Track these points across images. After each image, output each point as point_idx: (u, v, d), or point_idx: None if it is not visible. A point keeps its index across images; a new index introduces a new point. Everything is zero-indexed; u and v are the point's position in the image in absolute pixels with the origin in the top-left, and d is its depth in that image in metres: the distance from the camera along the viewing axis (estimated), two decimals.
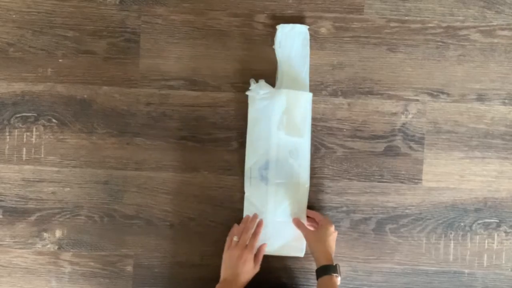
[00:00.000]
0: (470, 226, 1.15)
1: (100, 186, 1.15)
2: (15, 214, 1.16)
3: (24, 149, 1.16)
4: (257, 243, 1.07)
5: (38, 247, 1.16)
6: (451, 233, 1.15)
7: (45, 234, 1.15)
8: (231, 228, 1.11)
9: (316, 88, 1.15)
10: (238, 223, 1.13)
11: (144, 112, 1.15)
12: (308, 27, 1.13)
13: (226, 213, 1.15)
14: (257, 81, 1.13)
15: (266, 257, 1.10)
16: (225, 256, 1.06)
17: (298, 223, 1.10)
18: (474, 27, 1.15)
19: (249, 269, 1.04)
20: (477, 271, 1.15)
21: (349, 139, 1.15)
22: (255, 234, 1.08)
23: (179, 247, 1.15)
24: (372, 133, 1.15)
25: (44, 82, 1.15)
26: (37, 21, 1.15)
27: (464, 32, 1.15)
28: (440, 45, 1.15)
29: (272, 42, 1.13)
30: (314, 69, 1.15)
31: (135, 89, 1.15)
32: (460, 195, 1.15)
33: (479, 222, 1.15)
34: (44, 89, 1.15)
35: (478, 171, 1.15)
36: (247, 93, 1.12)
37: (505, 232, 1.15)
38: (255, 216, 1.11)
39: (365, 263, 1.15)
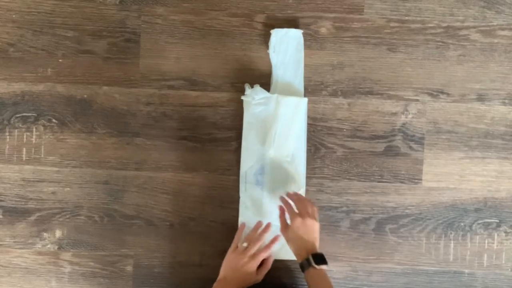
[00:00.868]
0: (470, 226, 1.15)
1: (100, 186, 1.15)
2: (15, 214, 1.16)
3: (24, 149, 1.16)
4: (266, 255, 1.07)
5: (38, 247, 1.16)
6: (451, 233, 1.15)
7: (45, 234, 1.15)
8: (239, 229, 1.11)
9: (316, 88, 1.15)
10: (238, 222, 1.13)
11: (144, 112, 1.15)
12: (302, 31, 1.13)
13: (226, 213, 1.15)
14: (252, 86, 1.13)
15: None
16: (229, 257, 1.06)
17: (281, 212, 1.08)
18: (474, 27, 1.15)
19: (251, 278, 1.04)
20: (477, 271, 1.15)
21: (349, 139, 1.15)
22: (266, 248, 1.07)
23: (179, 247, 1.15)
24: (372, 133, 1.15)
25: (44, 82, 1.15)
26: (37, 21, 1.15)
27: (464, 32, 1.15)
28: (440, 45, 1.15)
29: (268, 46, 1.13)
30: (314, 69, 1.15)
31: (135, 89, 1.15)
32: (460, 195, 1.15)
33: (479, 222, 1.15)
34: (44, 89, 1.15)
35: (478, 171, 1.15)
36: (242, 98, 1.12)
37: (505, 232, 1.15)
38: (268, 225, 1.10)
39: (365, 263, 1.15)
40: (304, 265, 0.99)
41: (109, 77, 1.15)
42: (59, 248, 1.16)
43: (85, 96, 1.15)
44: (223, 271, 1.05)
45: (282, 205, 1.08)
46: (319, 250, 1.01)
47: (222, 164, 1.15)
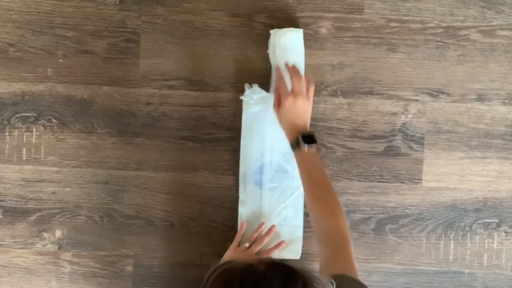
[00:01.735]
0: (470, 226, 1.15)
1: (100, 186, 1.15)
2: (15, 214, 1.16)
3: (24, 149, 1.16)
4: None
5: (38, 247, 1.16)
6: (451, 233, 1.15)
7: (45, 234, 1.15)
8: (240, 228, 1.10)
9: (316, 88, 1.14)
10: (238, 225, 1.13)
11: (144, 112, 1.15)
12: (302, 30, 1.12)
13: (226, 213, 1.15)
14: (251, 86, 1.12)
15: None
16: (230, 255, 1.06)
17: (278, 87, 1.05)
18: (474, 27, 1.15)
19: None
20: (477, 271, 1.15)
21: (349, 139, 1.15)
22: (268, 253, 1.07)
23: (179, 247, 1.15)
24: (372, 133, 1.15)
25: (44, 82, 1.15)
26: (37, 21, 1.15)
27: (464, 32, 1.15)
28: (440, 45, 1.15)
29: (268, 46, 1.13)
30: (314, 69, 1.15)
31: (135, 89, 1.15)
32: (460, 195, 1.15)
33: (479, 222, 1.15)
34: (44, 89, 1.15)
35: (478, 171, 1.15)
36: (241, 97, 1.12)
37: (505, 232, 1.15)
38: (271, 229, 1.10)
39: (365, 263, 1.15)
40: (293, 146, 0.99)
41: (109, 77, 1.15)
42: (59, 248, 1.16)
43: (85, 96, 1.15)
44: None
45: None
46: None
47: (222, 164, 1.15)
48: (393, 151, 1.15)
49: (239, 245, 1.07)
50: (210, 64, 1.15)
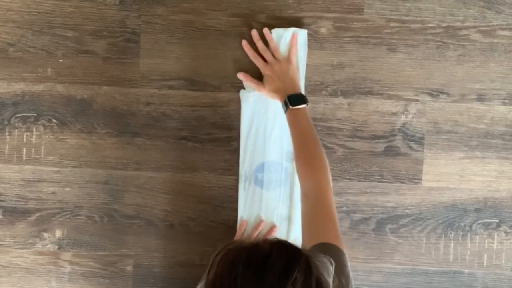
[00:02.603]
0: (470, 226, 1.15)
1: (100, 186, 1.15)
2: (15, 214, 1.16)
3: (24, 149, 1.16)
4: None
5: (38, 247, 1.16)
6: (451, 233, 1.15)
7: (45, 234, 1.15)
8: (239, 227, 1.10)
9: (316, 88, 1.15)
10: (237, 225, 1.13)
11: (144, 112, 1.15)
12: (306, 30, 1.12)
13: (226, 213, 1.15)
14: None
15: None
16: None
17: (253, 55, 1.10)
18: (474, 27, 1.15)
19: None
20: (477, 271, 1.15)
21: (349, 139, 1.15)
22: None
23: (179, 247, 1.15)
24: (372, 133, 1.15)
25: (44, 82, 1.15)
26: (37, 21, 1.15)
27: (464, 32, 1.15)
28: (440, 45, 1.15)
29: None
30: (314, 69, 1.15)
31: (135, 89, 1.15)
32: (460, 195, 1.15)
33: (479, 222, 1.15)
34: (44, 89, 1.15)
35: (478, 171, 1.15)
36: (240, 93, 1.12)
37: (505, 232, 1.15)
38: (272, 229, 1.10)
39: (365, 263, 1.15)
40: (283, 108, 1.03)
41: (109, 77, 1.15)
42: (59, 248, 1.16)
43: (85, 96, 1.15)
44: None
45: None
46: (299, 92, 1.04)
47: (222, 164, 1.15)
48: (393, 151, 1.15)
49: None
50: (210, 64, 1.15)
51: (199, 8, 1.15)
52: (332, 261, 0.66)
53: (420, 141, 1.15)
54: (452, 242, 1.15)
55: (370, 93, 1.15)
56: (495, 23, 1.15)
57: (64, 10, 1.15)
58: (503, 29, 1.15)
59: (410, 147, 1.15)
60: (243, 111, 1.12)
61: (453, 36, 1.15)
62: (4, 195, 1.16)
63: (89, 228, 1.15)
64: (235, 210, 1.14)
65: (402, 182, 1.15)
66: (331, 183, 0.95)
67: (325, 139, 1.15)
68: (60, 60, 1.15)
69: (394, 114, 1.15)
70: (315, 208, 0.90)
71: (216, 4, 1.15)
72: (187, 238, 1.15)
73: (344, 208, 1.15)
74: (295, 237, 1.11)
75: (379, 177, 1.15)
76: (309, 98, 1.14)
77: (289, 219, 1.12)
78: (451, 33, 1.15)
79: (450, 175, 1.15)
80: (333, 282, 0.63)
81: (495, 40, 1.15)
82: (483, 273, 1.15)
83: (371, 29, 1.15)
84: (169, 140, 1.15)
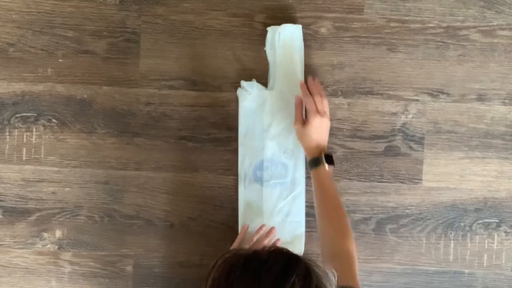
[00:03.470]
0: (470, 226, 1.15)
1: (100, 186, 1.15)
2: (15, 214, 1.16)
3: (24, 149, 1.16)
4: None
5: (38, 247, 1.16)
6: (451, 233, 1.15)
7: (45, 234, 1.15)
8: (241, 231, 1.10)
9: None
10: (238, 222, 1.13)
11: (144, 112, 1.15)
12: (301, 26, 1.12)
13: (226, 213, 1.15)
14: (256, 79, 1.13)
15: None
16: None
17: (298, 104, 1.09)
18: (474, 27, 1.15)
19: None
20: (477, 271, 1.15)
21: (349, 139, 1.15)
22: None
23: (179, 247, 1.15)
24: (372, 133, 1.15)
25: (44, 82, 1.15)
26: (37, 21, 1.15)
27: (464, 32, 1.15)
28: (440, 45, 1.15)
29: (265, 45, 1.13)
30: (314, 69, 1.15)
31: (135, 89, 1.15)
32: (460, 195, 1.15)
33: (479, 222, 1.15)
34: (44, 89, 1.15)
35: (478, 171, 1.15)
36: (237, 92, 1.12)
37: (505, 232, 1.15)
38: (271, 230, 1.10)
39: (365, 263, 1.15)
40: (315, 163, 1.04)
41: (109, 77, 1.15)
42: (59, 248, 1.16)
43: (85, 96, 1.15)
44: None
45: (301, 96, 1.08)
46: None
47: (222, 164, 1.15)
48: (393, 151, 1.15)
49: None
50: (210, 64, 1.15)
51: (199, 8, 1.15)
52: (335, 273, 0.66)
53: (420, 141, 1.15)
54: (452, 242, 1.15)
55: (370, 93, 1.15)
56: (495, 23, 1.15)
57: (64, 10, 1.15)
58: (503, 29, 1.15)
59: (410, 147, 1.15)
60: (240, 110, 1.13)
61: (453, 36, 1.15)
62: (4, 195, 1.16)
63: (89, 228, 1.15)
64: (235, 210, 1.14)
65: (402, 182, 1.15)
66: (353, 238, 0.99)
67: None
68: (60, 60, 1.15)
69: (394, 114, 1.15)
70: (341, 274, 0.88)
71: (216, 4, 1.15)
72: (187, 238, 1.15)
73: (344, 208, 1.14)
74: (298, 234, 1.11)
75: (379, 177, 1.15)
76: None
77: (291, 216, 1.12)
78: (451, 33, 1.15)
79: (450, 175, 1.15)
80: None
81: (495, 40, 1.15)
82: (483, 273, 1.15)
83: (371, 29, 1.15)
84: (169, 140, 1.15)
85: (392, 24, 1.15)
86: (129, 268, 1.15)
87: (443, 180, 1.15)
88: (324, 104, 1.06)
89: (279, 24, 1.12)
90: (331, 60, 1.15)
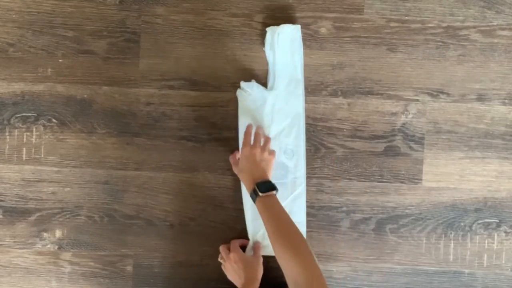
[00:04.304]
0: (470, 226, 1.15)
1: (100, 186, 1.15)
2: (15, 214, 1.16)
3: (24, 149, 1.16)
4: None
5: (38, 247, 1.16)
6: (451, 233, 1.15)
7: (45, 234, 1.15)
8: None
9: (316, 88, 1.15)
10: (238, 222, 1.13)
11: (144, 112, 1.15)
12: (300, 26, 1.12)
13: (226, 213, 1.15)
14: (256, 79, 1.13)
15: (266, 257, 1.10)
16: (226, 273, 1.08)
17: (248, 132, 1.06)
18: (474, 27, 1.15)
19: (248, 263, 1.05)
20: (477, 271, 1.15)
21: (349, 139, 1.15)
22: (232, 243, 1.10)
23: (179, 247, 1.15)
24: (372, 133, 1.15)
25: (44, 82, 1.15)
26: (37, 21, 1.15)
27: (464, 32, 1.15)
28: (440, 45, 1.15)
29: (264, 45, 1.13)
30: (314, 69, 1.15)
31: (135, 89, 1.15)
32: (460, 195, 1.15)
33: (479, 222, 1.15)
34: (44, 89, 1.15)
35: (478, 171, 1.15)
36: (237, 92, 1.12)
37: (505, 232, 1.15)
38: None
39: (365, 263, 1.15)
40: (252, 196, 0.99)
41: (109, 77, 1.15)
42: (59, 248, 1.16)
43: (85, 96, 1.15)
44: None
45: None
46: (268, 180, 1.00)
47: (222, 164, 1.15)
48: (393, 151, 1.15)
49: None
50: (210, 64, 1.15)
51: (199, 8, 1.15)
52: None
53: (420, 141, 1.15)
54: (452, 242, 1.15)
55: (370, 93, 1.15)
56: (495, 23, 1.15)
57: (64, 10, 1.15)
58: (503, 29, 1.15)
59: (410, 147, 1.15)
60: (240, 110, 1.13)
61: (453, 36, 1.15)
62: (4, 195, 1.16)
63: (89, 228, 1.16)
64: (235, 210, 1.14)
65: (402, 182, 1.15)
66: (315, 258, 0.88)
67: (325, 139, 1.15)
68: (60, 60, 1.15)
69: (394, 114, 1.15)
70: None
71: (216, 4, 1.15)
72: (187, 238, 1.15)
73: (344, 208, 1.15)
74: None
75: (379, 177, 1.15)
76: (309, 98, 1.14)
77: (292, 216, 1.12)
78: (451, 33, 1.15)
79: (450, 175, 1.15)
80: None
81: (495, 40, 1.15)
82: (483, 273, 1.15)
83: (371, 29, 1.15)
84: (169, 140, 1.15)
85: (392, 24, 1.15)
86: (129, 268, 1.15)
87: (443, 180, 1.15)
88: (258, 137, 1.04)
89: (278, 24, 1.13)
90: (331, 60, 1.15)
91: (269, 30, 1.12)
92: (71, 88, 1.15)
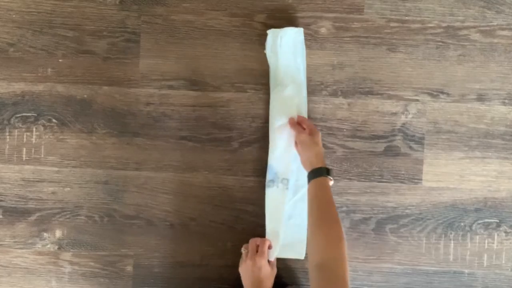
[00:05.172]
0: (470, 226, 1.15)
1: (100, 186, 1.15)
2: (15, 214, 1.16)
3: (24, 149, 1.16)
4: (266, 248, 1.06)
5: (38, 247, 1.16)
6: (451, 233, 1.15)
7: (45, 234, 1.15)
8: (264, 243, 1.09)
9: (316, 88, 1.15)
10: (238, 222, 1.13)
11: (144, 112, 1.15)
12: (302, 29, 1.12)
13: (226, 213, 1.15)
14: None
15: None
16: (241, 270, 1.06)
17: (293, 123, 1.09)
18: (474, 27, 1.15)
19: (267, 273, 1.04)
20: (477, 271, 1.15)
21: (349, 139, 1.15)
22: (262, 241, 1.07)
23: (179, 247, 1.15)
24: (372, 133, 1.15)
25: (44, 82, 1.15)
26: (37, 21, 1.15)
27: (464, 32, 1.15)
28: (440, 45, 1.15)
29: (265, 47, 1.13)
30: (314, 69, 1.15)
31: (135, 89, 1.15)
32: (460, 195, 1.15)
33: (479, 222, 1.15)
34: (44, 89, 1.15)
35: (478, 171, 1.15)
36: (265, 50, 1.12)
37: (505, 232, 1.15)
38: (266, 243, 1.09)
39: (365, 263, 1.15)
40: (315, 173, 1.00)
41: (109, 77, 1.15)
42: (59, 248, 1.16)
43: (85, 96, 1.15)
44: (245, 285, 1.04)
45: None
46: None
47: (222, 164, 1.15)
48: (393, 151, 1.15)
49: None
50: (210, 64, 1.15)
51: (199, 8, 1.15)
52: None
53: (420, 141, 1.15)
54: (452, 242, 1.15)
55: (370, 93, 1.15)
56: (495, 23, 1.15)
57: (64, 10, 1.15)
58: (503, 29, 1.15)
59: (410, 147, 1.15)
60: (272, 97, 1.12)
61: (453, 36, 1.15)
62: (4, 195, 1.16)
63: (89, 228, 1.16)
64: (235, 210, 1.14)
65: (402, 182, 1.15)
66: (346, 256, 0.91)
67: (325, 139, 1.15)
68: (60, 60, 1.15)
69: (394, 114, 1.15)
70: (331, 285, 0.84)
71: (216, 4, 1.15)
72: (187, 238, 1.15)
73: (344, 208, 1.15)
74: (300, 238, 1.11)
75: (379, 177, 1.15)
76: (309, 98, 1.14)
77: (294, 219, 1.12)
78: (451, 33, 1.15)
79: (450, 175, 1.15)
80: None
81: (495, 40, 1.15)
82: (483, 273, 1.15)
83: (371, 29, 1.15)
84: (169, 140, 1.15)
85: (392, 24, 1.15)
86: (129, 268, 1.15)
87: (443, 180, 1.15)
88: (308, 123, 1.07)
89: (279, 24, 1.13)
90: (331, 60, 1.15)
91: (270, 32, 1.11)
92: (71, 88, 1.15)
